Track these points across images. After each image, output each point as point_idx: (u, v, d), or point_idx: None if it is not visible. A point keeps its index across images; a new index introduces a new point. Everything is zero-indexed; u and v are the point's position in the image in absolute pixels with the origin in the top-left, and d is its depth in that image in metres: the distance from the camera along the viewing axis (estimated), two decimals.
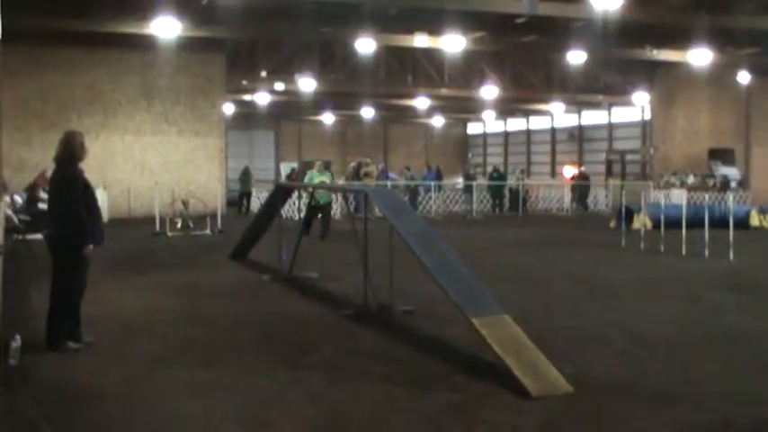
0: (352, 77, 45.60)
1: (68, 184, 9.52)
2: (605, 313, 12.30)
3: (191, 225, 25.56)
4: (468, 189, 36.98)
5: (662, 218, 21.02)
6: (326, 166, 26.20)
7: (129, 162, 32.91)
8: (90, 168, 10.32)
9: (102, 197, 25.89)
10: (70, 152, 9.59)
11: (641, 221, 23.14)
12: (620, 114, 60.58)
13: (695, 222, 20.28)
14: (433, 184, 37.76)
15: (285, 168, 51.64)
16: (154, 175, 31.85)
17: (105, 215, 25.45)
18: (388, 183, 36.10)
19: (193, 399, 7.88)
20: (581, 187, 39.62)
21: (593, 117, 63.72)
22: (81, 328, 9.70)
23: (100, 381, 8.43)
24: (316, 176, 23.41)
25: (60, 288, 9.57)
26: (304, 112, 64.77)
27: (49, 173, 10.09)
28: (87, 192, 9.61)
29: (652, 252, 19.85)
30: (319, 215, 23.46)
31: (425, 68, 46.19)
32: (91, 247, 9.48)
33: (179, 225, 25.60)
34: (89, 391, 8.10)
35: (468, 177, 39.51)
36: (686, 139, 42.13)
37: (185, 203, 26.55)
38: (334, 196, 25.60)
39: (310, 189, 20.63)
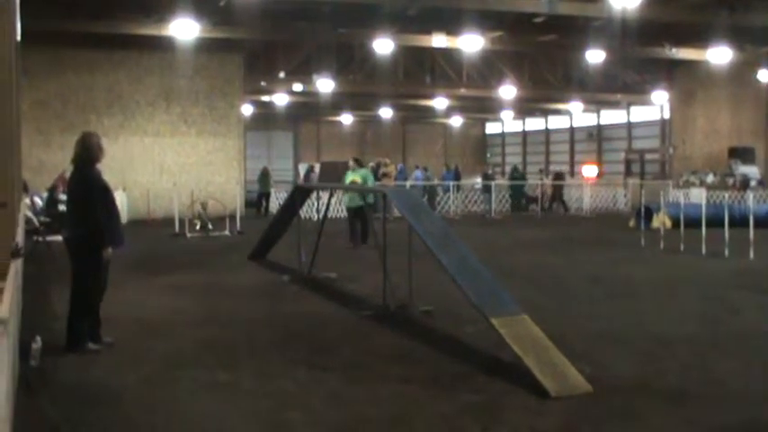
0: (371, 78, 45.58)
1: (87, 185, 9.55)
2: (624, 313, 12.26)
3: (210, 226, 25.60)
4: (486, 189, 36.90)
5: (681, 217, 20.94)
6: (360, 163, 22.52)
7: (149, 163, 33.01)
8: (109, 170, 10.38)
9: (121, 199, 26.10)
10: (88, 153, 9.62)
11: (660, 221, 23.06)
12: (639, 113, 60.37)
13: (715, 221, 20.17)
14: (451, 184, 37.72)
15: (303, 169, 51.70)
16: (173, 176, 31.95)
17: (125, 217, 25.64)
18: (408, 183, 36.10)
19: (213, 400, 7.88)
20: (555, 187, 39.11)
21: (612, 116, 63.53)
22: (101, 329, 9.74)
23: (120, 381, 8.45)
24: (349, 176, 21.68)
25: (80, 289, 9.60)
26: (322, 113, 64.81)
27: (68, 174, 10.11)
28: (106, 193, 9.64)
29: (671, 251, 19.77)
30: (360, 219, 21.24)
31: (444, 68, 46.12)
32: (110, 249, 9.52)
33: (198, 227, 25.64)
34: (109, 391, 8.12)
35: (486, 177, 39.41)
36: (706, 138, 41.97)
37: (204, 206, 26.55)
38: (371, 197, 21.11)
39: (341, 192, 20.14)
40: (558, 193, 38.69)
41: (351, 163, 22.17)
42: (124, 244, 9.96)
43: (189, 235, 24.50)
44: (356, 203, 21.12)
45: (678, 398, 7.82)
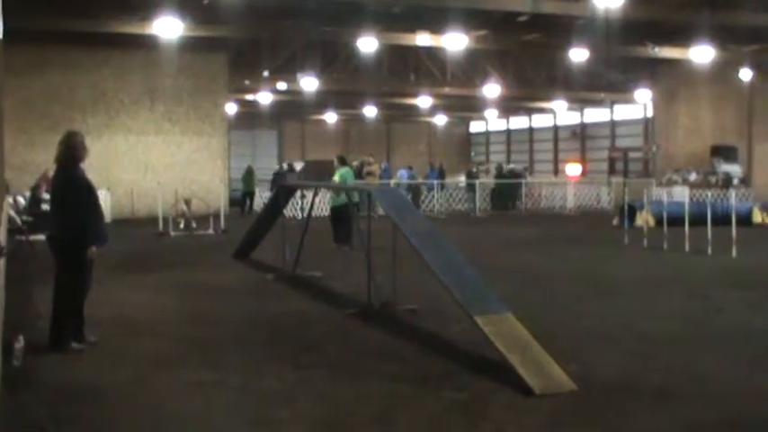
0: (355, 76, 45.54)
1: (70, 184, 9.51)
2: (609, 311, 12.29)
3: (193, 225, 25.54)
4: (471, 188, 36.92)
5: (665, 215, 20.99)
6: (343, 161, 22.25)
7: (133, 162, 32.91)
8: (93, 168, 10.33)
9: (105, 197, 25.99)
10: (71, 152, 9.57)
11: (644, 219, 23.10)
12: (623, 112, 60.53)
13: (698, 219, 20.24)
14: (436, 182, 37.73)
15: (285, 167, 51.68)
16: (157, 175, 31.83)
17: (109, 215, 25.58)
18: (392, 182, 36.11)
19: (199, 399, 7.86)
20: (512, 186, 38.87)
21: (595, 115, 63.68)
22: (85, 328, 9.70)
23: (104, 381, 8.43)
24: (335, 175, 21.51)
25: (63, 289, 9.56)
26: (307, 112, 64.73)
27: (52, 173, 10.06)
28: (90, 192, 9.60)
29: (655, 249, 19.82)
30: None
31: (428, 67, 46.11)
32: (93, 248, 9.48)
33: (182, 225, 25.59)
34: (93, 391, 8.09)
35: (470, 176, 39.39)
36: (688, 137, 42.08)
37: (188, 202, 26.50)
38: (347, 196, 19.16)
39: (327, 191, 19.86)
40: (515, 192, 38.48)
41: (372, 162, 21.91)
42: (107, 243, 9.92)
43: (173, 234, 24.45)
44: (336, 203, 20.79)
45: (663, 395, 7.84)
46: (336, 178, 21.20)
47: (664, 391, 8.00)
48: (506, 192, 38.25)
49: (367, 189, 14.97)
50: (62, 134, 9.80)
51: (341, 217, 20.50)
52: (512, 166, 46.93)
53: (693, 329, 10.94)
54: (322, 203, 25.96)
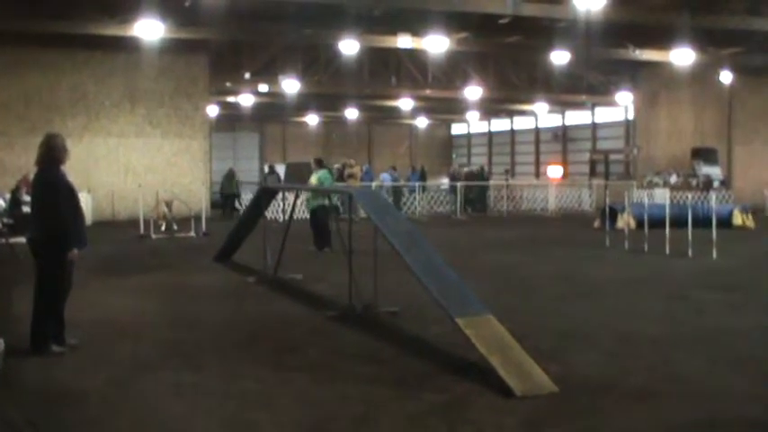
0: (336, 79, 45.52)
1: (51, 186, 9.48)
2: (590, 312, 12.34)
3: (174, 227, 25.48)
4: (453, 190, 36.94)
5: (645, 217, 21.08)
6: (320, 164, 21.80)
7: (113, 165, 32.79)
8: (74, 171, 10.31)
9: (86, 200, 25.88)
10: (52, 154, 9.55)
11: (625, 221, 23.18)
12: (604, 114, 60.67)
13: (678, 222, 20.34)
14: (417, 184, 37.72)
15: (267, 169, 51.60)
16: (138, 177, 31.73)
17: (89, 218, 25.43)
18: (373, 184, 36.10)
19: (179, 401, 7.85)
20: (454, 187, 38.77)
21: (576, 117, 63.80)
22: (65, 331, 9.67)
23: (84, 384, 8.40)
24: (312, 177, 21.32)
25: (44, 291, 9.52)
26: (288, 114, 64.61)
27: (32, 176, 10.03)
28: (70, 194, 9.57)
29: (636, 251, 19.90)
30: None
31: (409, 69, 46.16)
32: (75, 250, 9.46)
33: (163, 227, 25.52)
34: (73, 394, 8.07)
35: (453, 178, 39.39)
36: (669, 139, 42.21)
37: (169, 204, 26.43)
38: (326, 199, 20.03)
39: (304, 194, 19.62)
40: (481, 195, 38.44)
41: (352, 164, 21.67)
42: (86, 245, 9.89)
43: (154, 236, 24.38)
44: (313, 206, 20.65)
45: (643, 396, 7.88)
46: (314, 180, 21.09)
47: (643, 391, 8.04)
48: (469, 195, 38.09)
49: (348, 191, 14.99)
50: (43, 136, 9.77)
51: (318, 220, 20.44)
52: (472, 167, 46.75)
53: (673, 330, 10.99)
54: (303, 206, 25.93)
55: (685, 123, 41.76)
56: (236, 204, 34.91)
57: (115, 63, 32.67)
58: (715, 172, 39.15)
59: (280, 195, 21.13)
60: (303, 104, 55.65)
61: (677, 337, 10.63)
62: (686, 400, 7.84)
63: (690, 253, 18.83)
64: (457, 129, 79.10)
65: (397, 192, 36.83)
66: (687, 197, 33.63)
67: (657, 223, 20.56)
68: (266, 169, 46.74)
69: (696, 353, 9.75)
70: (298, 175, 41.29)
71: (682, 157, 40.52)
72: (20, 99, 31.39)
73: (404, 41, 32.63)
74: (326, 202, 19.94)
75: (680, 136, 41.63)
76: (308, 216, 21.74)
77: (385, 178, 38.30)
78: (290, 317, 12.09)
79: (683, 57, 33.11)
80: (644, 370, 8.88)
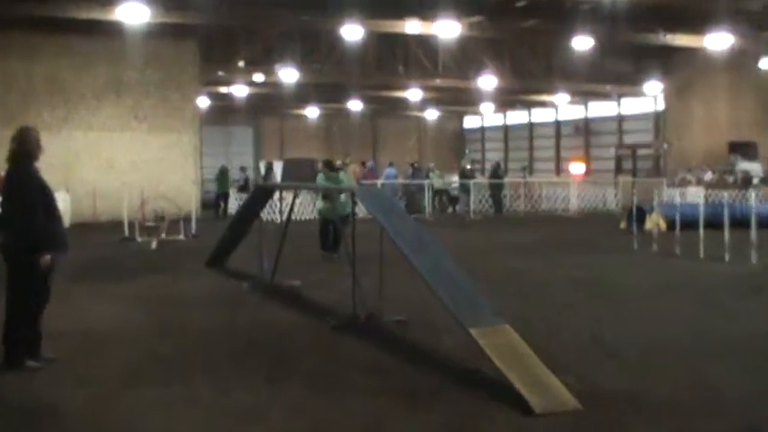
0: (338, 68, 45.51)
1: (23, 184, 9.42)
2: (614, 321, 12.34)
3: (162, 231, 25.23)
4: (464, 188, 36.92)
5: (677, 218, 21.06)
6: (331, 166, 20.69)
7: (95, 161, 32.86)
8: (51, 167, 10.34)
9: (64, 199, 25.93)
10: (25, 149, 9.51)
11: (654, 222, 23.19)
12: (631, 106, 60.51)
13: (714, 222, 20.30)
14: (426, 183, 37.70)
15: (263, 167, 51.70)
16: (122, 175, 31.81)
17: (67, 219, 25.40)
18: (378, 182, 36.15)
19: (168, 417, 7.88)
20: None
21: (600, 109, 63.64)
22: (42, 344, 9.65)
23: (64, 400, 8.42)
24: (321, 180, 20.36)
25: (17, 301, 9.48)
26: (286, 106, 64.64)
27: (4, 173, 9.99)
28: (45, 193, 9.54)
29: (666, 255, 19.90)
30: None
31: (418, 57, 46.14)
32: (47, 255, 9.42)
33: (153, 245, 24.48)
34: (52, 410, 8.09)
35: (463, 175, 39.35)
36: (703, 132, 42.22)
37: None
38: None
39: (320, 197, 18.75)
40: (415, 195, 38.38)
41: (348, 164, 20.76)
42: (67, 251, 9.87)
43: (140, 239, 24.39)
44: (338, 213, 18.85)
45: (672, 411, 7.89)
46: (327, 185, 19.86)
47: (673, 405, 8.05)
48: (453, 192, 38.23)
49: (351, 190, 14.99)
50: (15, 130, 9.74)
51: (329, 225, 19.79)
52: (468, 166, 46.81)
53: (706, 340, 10.99)
54: (303, 206, 25.95)
55: (721, 115, 41.73)
56: (221, 204, 34.93)
57: (97, 50, 32.74)
58: (754, 168, 39.04)
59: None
60: (302, 96, 55.66)
61: (709, 347, 10.63)
62: (719, 415, 7.84)
63: (726, 257, 18.79)
64: (469, 122, 79.04)
65: (410, 192, 36.74)
66: (723, 196, 33.54)
67: (690, 224, 20.51)
68: (262, 167, 46.83)
69: (730, 364, 9.75)
70: (296, 172, 41.35)
71: (717, 151, 40.49)
72: None
73: (412, 26, 32.63)
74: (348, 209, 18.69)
75: (715, 128, 41.61)
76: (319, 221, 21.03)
77: (389, 174, 38.34)
78: (288, 326, 12.11)
79: (719, 41, 33.01)
80: (673, 383, 8.89)
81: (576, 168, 57.01)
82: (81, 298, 14.36)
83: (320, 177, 20.82)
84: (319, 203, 20.51)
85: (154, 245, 23.64)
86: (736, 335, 11.38)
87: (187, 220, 25.95)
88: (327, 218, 19.67)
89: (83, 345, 10.82)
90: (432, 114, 72.95)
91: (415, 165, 43.68)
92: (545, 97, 57.79)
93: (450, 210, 37.45)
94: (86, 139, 32.80)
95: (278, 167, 47.76)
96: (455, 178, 41.32)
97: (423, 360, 9.90)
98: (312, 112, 69.07)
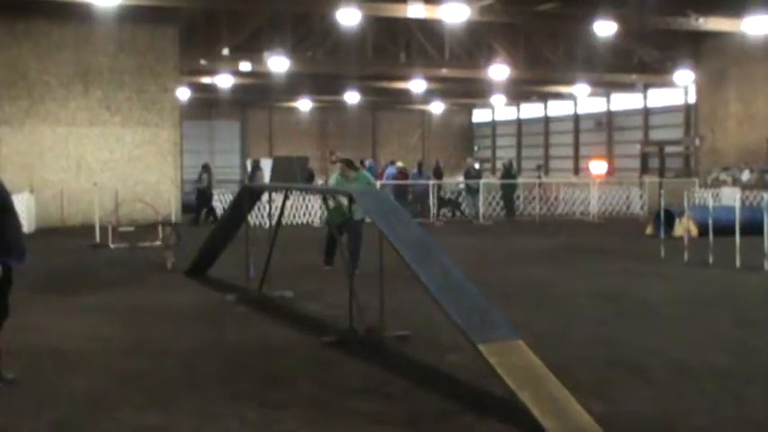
0: (334, 56, 45.62)
1: None
2: (640, 338, 12.31)
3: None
4: (470, 190, 36.85)
5: (710, 223, 21.03)
6: (351, 165, 19.80)
7: (62, 159, 32.80)
8: (12, 166, 10.32)
9: (27, 202, 25.89)
10: None
11: (684, 227, 23.15)
12: (659, 98, 60.62)
13: (752, 228, 20.27)
14: (431, 183, 37.62)
15: (249, 165, 51.69)
16: (93, 174, 31.77)
17: (32, 224, 25.42)
18: (379, 183, 36.13)
19: None
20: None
21: (624, 101, 63.78)
22: (0, 362, 9.64)
23: (26, 427, 8.40)
24: (338, 182, 19.44)
25: None
26: (275, 98, 64.82)
27: None
28: (0, 196, 9.50)
29: (698, 264, 19.88)
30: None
31: (421, 44, 46.23)
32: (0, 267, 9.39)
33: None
34: None
35: (468, 176, 39.17)
36: (740, 127, 42.16)
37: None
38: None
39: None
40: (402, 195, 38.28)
41: (335, 161, 19.84)
42: (24, 260, 9.81)
43: (112, 245, 24.37)
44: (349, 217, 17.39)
45: None
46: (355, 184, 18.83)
47: None
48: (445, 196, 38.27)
49: (348, 192, 14.98)
50: None
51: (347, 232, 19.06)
52: (476, 165, 46.85)
53: (744, 361, 10.96)
54: (294, 209, 25.90)
55: (760, 107, 41.63)
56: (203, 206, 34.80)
57: (64, 35, 32.67)
58: None
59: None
60: (293, 87, 55.83)
61: (748, 369, 10.60)
62: None
63: (766, 267, 18.80)
64: (479, 115, 79.24)
65: (417, 194, 36.67)
66: (763, 197, 33.54)
67: (725, 230, 20.49)
68: (249, 165, 46.81)
69: None
70: (287, 171, 41.25)
71: (756, 148, 40.41)
72: None
73: (415, 10, 32.55)
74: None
75: (753, 123, 41.52)
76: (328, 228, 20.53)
77: (390, 174, 38.30)
78: (279, 343, 12.09)
79: (757, 25, 32.93)
80: (708, 408, 8.87)
81: (597, 167, 57.04)
82: (45, 311, 14.33)
83: (334, 178, 20.40)
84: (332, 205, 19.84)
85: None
86: None
87: (165, 224, 25.88)
88: (338, 224, 19.13)
89: (48, 363, 10.79)
90: (437, 107, 73.12)
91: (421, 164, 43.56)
92: (563, 88, 57.91)
93: (450, 215, 37.31)
94: (53, 134, 32.70)
95: (266, 166, 47.73)
96: (460, 179, 41.32)
97: (427, 380, 9.89)
98: (304, 104, 69.23)
